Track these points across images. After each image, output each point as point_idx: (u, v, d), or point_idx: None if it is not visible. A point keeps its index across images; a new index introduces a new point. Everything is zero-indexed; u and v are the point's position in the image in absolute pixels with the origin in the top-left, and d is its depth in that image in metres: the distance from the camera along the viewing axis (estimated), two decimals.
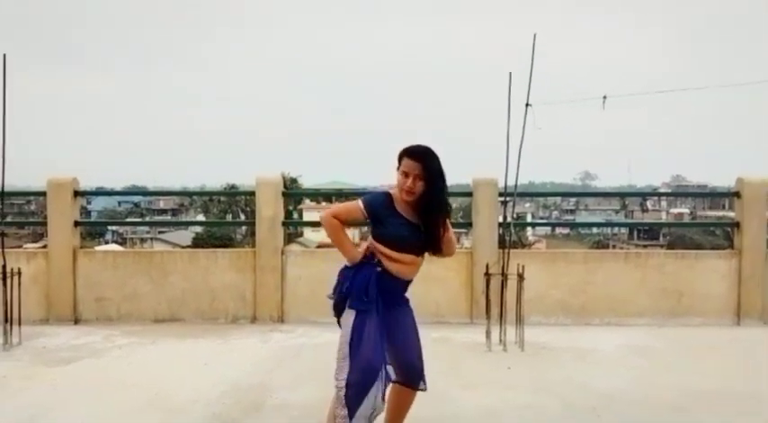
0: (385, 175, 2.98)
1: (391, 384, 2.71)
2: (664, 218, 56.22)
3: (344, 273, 2.72)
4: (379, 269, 2.62)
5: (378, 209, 2.64)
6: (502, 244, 5.71)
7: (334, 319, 2.80)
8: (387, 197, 2.66)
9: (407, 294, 2.81)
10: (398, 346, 2.71)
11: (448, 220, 2.69)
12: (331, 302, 2.78)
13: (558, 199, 63.57)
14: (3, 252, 5.09)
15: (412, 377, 2.74)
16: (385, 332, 2.62)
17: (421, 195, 2.59)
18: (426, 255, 2.74)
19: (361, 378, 2.53)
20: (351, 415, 2.52)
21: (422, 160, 2.57)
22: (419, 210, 2.62)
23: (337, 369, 2.61)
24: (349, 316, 2.62)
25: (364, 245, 2.71)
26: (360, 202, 2.67)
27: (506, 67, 4.85)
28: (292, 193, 16.27)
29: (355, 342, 2.56)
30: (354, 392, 2.52)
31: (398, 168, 2.63)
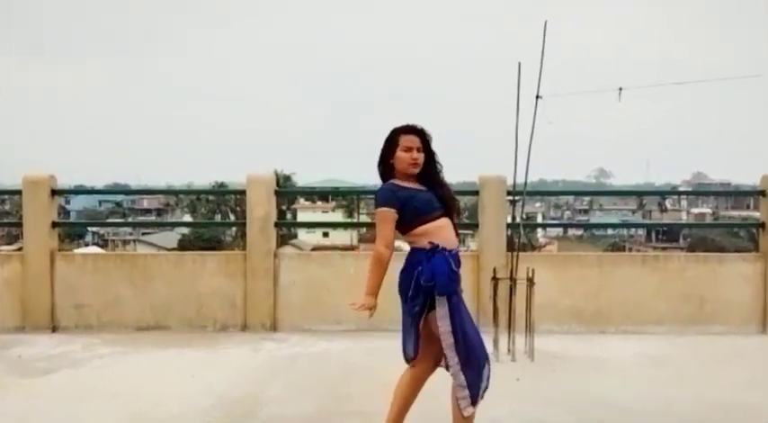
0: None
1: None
2: (684, 218, 56.23)
3: (411, 268, 2.94)
4: (444, 251, 2.91)
5: (401, 197, 2.98)
6: (510, 246, 5.72)
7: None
8: (395, 185, 3.04)
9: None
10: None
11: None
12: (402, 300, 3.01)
13: (571, 198, 63.54)
14: None
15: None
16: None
17: (423, 165, 3.05)
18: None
19: (473, 358, 2.90)
20: (473, 394, 2.91)
21: (419, 134, 3.06)
22: (422, 179, 3.07)
23: (448, 357, 2.93)
24: (441, 306, 2.89)
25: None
26: (386, 208, 2.97)
27: (514, 58, 4.84)
28: (286, 191, 16.28)
29: (458, 326, 2.89)
30: (471, 373, 2.90)
31: (392, 147, 3.04)
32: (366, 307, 2.87)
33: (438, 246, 2.90)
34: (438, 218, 2.98)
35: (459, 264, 2.97)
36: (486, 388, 2.98)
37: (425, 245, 2.91)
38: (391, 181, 3.07)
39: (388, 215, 2.95)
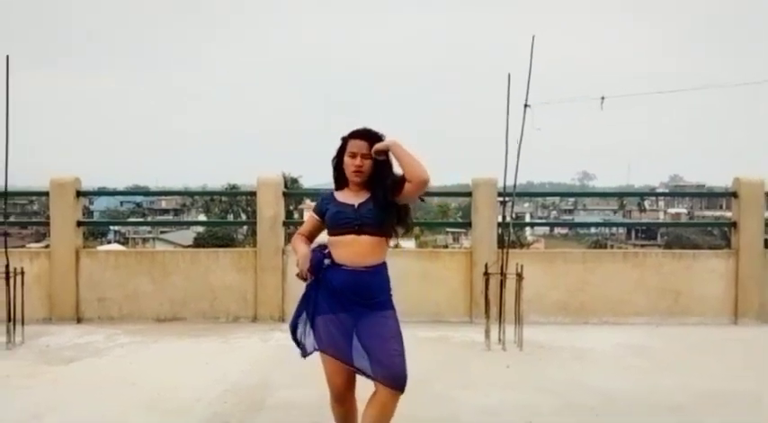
0: None
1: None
2: (661, 218, 56.24)
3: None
4: (327, 261, 2.63)
5: (322, 205, 2.73)
6: (501, 244, 5.72)
7: None
8: (330, 194, 2.75)
9: (392, 300, 2.66)
10: (370, 353, 2.54)
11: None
12: None
13: (557, 199, 63.62)
14: (6, 252, 5.10)
15: (389, 383, 2.51)
16: (338, 325, 2.59)
17: (370, 175, 2.62)
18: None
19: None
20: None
21: (368, 139, 2.60)
22: (372, 187, 2.63)
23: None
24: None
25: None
26: (312, 212, 2.79)
27: (506, 66, 4.88)
28: (293, 192, 16.21)
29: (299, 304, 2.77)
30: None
31: (342, 152, 2.66)
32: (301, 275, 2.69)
33: (327, 256, 2.64)
34: (346, 234, 2.58)
35: (363, 281, 2.57)
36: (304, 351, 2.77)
37: (323, 248, 2.68)
38: (331, 190, 2.76)
39: (311, 217, 2.79)
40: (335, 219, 2.63)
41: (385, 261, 2.69)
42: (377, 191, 2.61)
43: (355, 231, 2.59)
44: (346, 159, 2.62)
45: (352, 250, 2.59)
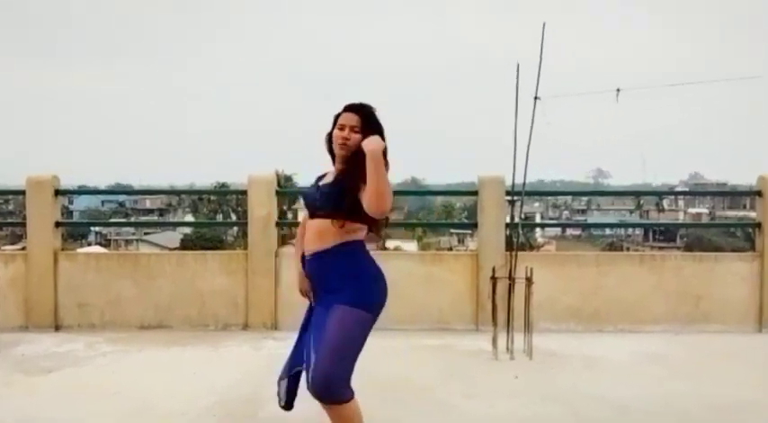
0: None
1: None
2: (681, 218, 56.26)
3: None
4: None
5: (308, 190, 2.85)
6: (509, 246, 5.72)
7: None
8: (317, 178, 2.82)
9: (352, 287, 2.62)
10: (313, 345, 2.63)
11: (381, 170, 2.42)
12: None
13: (569, 198, 63.47)
14: None
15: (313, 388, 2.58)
16: (311, 326, 2.71)
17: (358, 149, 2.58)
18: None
19: (287, 362, 2.85)
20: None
21: (359, 112, 2.65)
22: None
23: None
24: None
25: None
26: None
27: (514, 62, 4.84)
28: (287, 191, 16.21)
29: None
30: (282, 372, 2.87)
31: (333, 126, 2.70)
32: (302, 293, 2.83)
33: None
34: (314, 218, 2.68)
35: (318, 268, 2.65)
36: (280, 400, 2.85)
37: None
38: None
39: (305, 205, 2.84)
40: (304, 202, 2.78)
41: (346, 242, 2.61)
42: (347, 172, 2.59)
43: (315, 215, 2.69)
44: (335, 132, 2.67)
45: (307, 236, 2.70)
